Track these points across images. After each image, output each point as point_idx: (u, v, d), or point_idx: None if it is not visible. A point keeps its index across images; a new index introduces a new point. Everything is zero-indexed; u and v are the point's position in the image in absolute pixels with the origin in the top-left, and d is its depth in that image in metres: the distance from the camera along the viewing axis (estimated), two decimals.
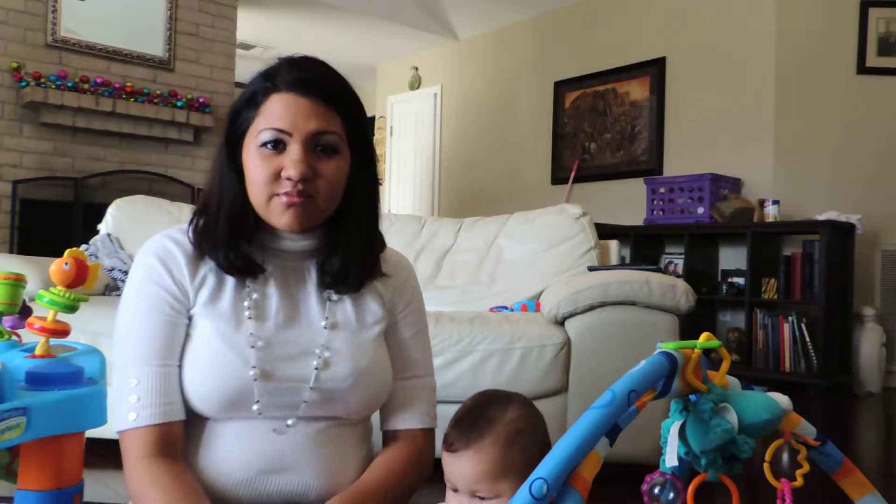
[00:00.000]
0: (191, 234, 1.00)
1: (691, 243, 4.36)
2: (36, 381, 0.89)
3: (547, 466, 0.51)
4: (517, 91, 6.08)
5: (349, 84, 0.99)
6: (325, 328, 1.00)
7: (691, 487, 0.59)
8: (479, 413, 0.89)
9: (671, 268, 4.55)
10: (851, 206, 4.12)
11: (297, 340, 0.98)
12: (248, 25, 6.03)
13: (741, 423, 0.59)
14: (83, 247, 2.67)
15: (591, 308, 2.07)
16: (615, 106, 5.33)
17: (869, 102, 4.30)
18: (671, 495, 0.59)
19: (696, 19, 4.84)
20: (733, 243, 4.44)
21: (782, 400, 0.61)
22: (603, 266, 2.60)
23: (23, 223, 4.33)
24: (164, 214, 2.81)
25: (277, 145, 0.93)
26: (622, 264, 2.88)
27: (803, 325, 3.90)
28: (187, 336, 0.98)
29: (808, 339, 3.88)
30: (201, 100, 4.95)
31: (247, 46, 6.68)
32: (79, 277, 0.97)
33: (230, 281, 0.99)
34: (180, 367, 0.96)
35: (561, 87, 5.71)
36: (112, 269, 2.59)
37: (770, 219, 4.09)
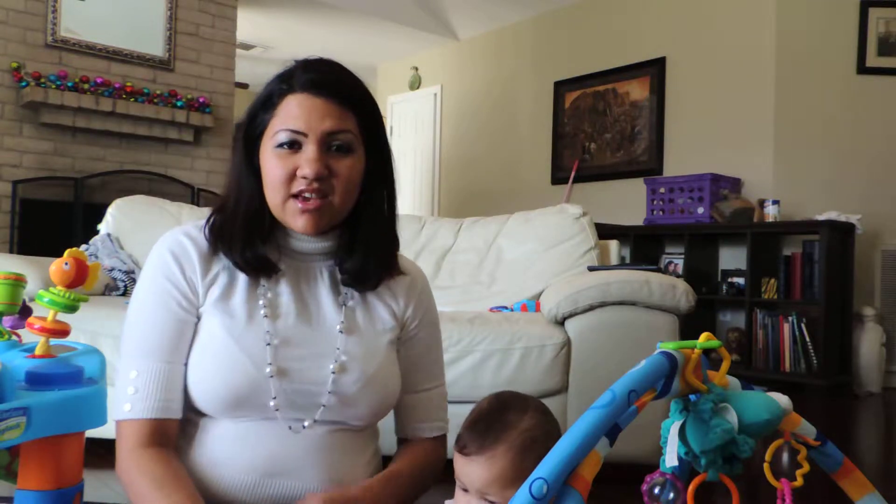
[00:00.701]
0: (207, 231, 1.00)
1: (691, 243, 4.36)
2: (36, 381, 0.89)
3: (547, 466, 0.52)
4: (517, 91, 6.08)
5: (364, 84, 1.01)
6: (341, 332, 1.01)
7: (691, 487, 0.59)
8: (494, 417, 0.88)
9: (671, 268, 4.55)
10: (851, 206, 4.12)
11: (313, 341, 0.99)
12: (248, 25, 6.03)
13: (741, 423, 0.59)
14: (83, 247, 2.67)
15: (591, 308, 2.07)
16: (615, 106, 5.33)
17: (869, 102, 4.30)
18: (671, 495, 0.59)
19: (696, 19, 4.84)
20: (733, 243, 4.44)
21: (782, 400, 0.61)
22: (603, 266, 2.60)
23: (23, 223, 4.33)
24: (164, 214, 2.81)
25: (293, 145, 0.94)
26: (622, 264, 2.88)
27: (803, 325, 3.90)
28: (195, 333, 0.98)
29: (808, 339, 3.88)
30: (201, 100, 4.94)
31: (247, 46, 6.68)
32: (79, 277, 0.97)
33: (242, 280, 1.00)
34: (186, 364, 0.97)
35: (561, 87, 5.71)
36: (112, 269, 2.59)
37: (770, 219, 4.09)
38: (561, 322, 2.11)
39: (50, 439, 0.86)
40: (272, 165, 0.95)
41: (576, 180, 5.50)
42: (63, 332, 0.97)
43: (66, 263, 0.96)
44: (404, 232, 2.92)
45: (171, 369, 0.95)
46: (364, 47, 6.86)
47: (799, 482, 0.64)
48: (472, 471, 0.86)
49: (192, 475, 0.94)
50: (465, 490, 0.88)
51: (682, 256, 4.44)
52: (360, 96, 0.99)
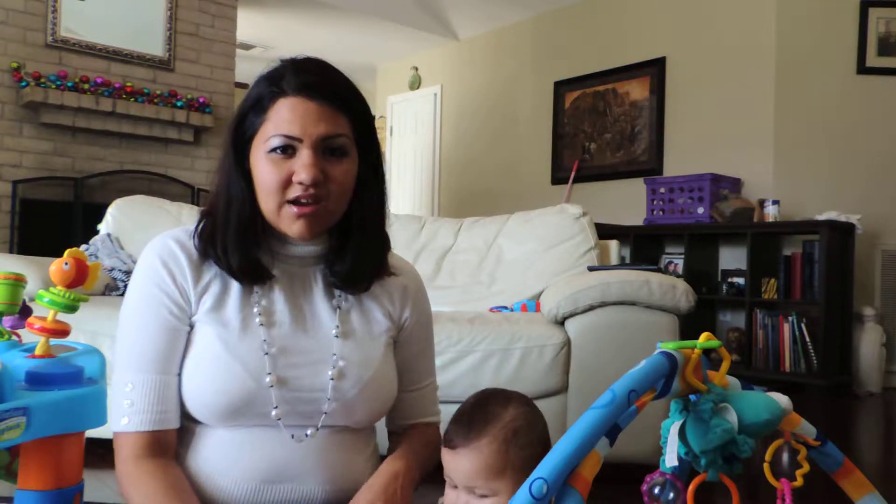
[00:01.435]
0: (196, 238, 0.98)
1: (691, 243, 4.36)
2: (36, 381, 0.89)
3: (547, 466, 0.51)
4: (517, 91, 6.08)
5: (354, 85, 0.99)
6: (337, 336, 1.00)
7: (691, 487, 0.59)
8: (478, 411, 0.90)
9: (671, 268, 4.55)
10: (851, 206, 4.12)
11: (310, 348, 0.98)
12: (248, 25, 6.02)
13: (741, 423, 0.59)
14: (83, 247, 2.67)
15: (591, 308, 2.07)
16: (615, 106, 5.33)
17: (869, 102, 4.30)
18: (671, 495, 0.59)
19: (696, 19, 4.84)
20: (733, 243, 4.44)
21: (782, 400, 0.61)
22: (603, 266, 2.60)
23: (23, 223, 4.33)
24: (164, 214, 2.81)
25: (286, 150, 0.92)
26: (622, 264, 2.88)
27: (803, 325, 3.90)
28: (189, 343, 0.97)
29: (808, 339, 3.88)
30: (201, 100, 4.95)
31: (247, 46, 6.68)
32: (79, 277, 0.97)
33: (235, 288, 0.98)
34: (180, 374, 0.95)
35: (561, 87, 5.71)
36: (112, 269, 2.59)
37: (770, 219, 4.09)
38: (561, 322, 2.11)
39: (50, 439, 0.86)
40: (266, 171, 0.93)
41: (576, 180, 5.49)
42: (63, 332, 0.97)
43: (66, 263, 0.96)
44: (404, 232, 2.93)
45: (165, 380, 0.94)
46: (364, 47, 6.86)
47: (799, 482, 0.64)
48: (458, 464, 0.87)
49: (191, 483, 0.94)
50: (455, 487, 0.89)
51: (682, 256, 4.44)
52: (352, 98, 0.97)
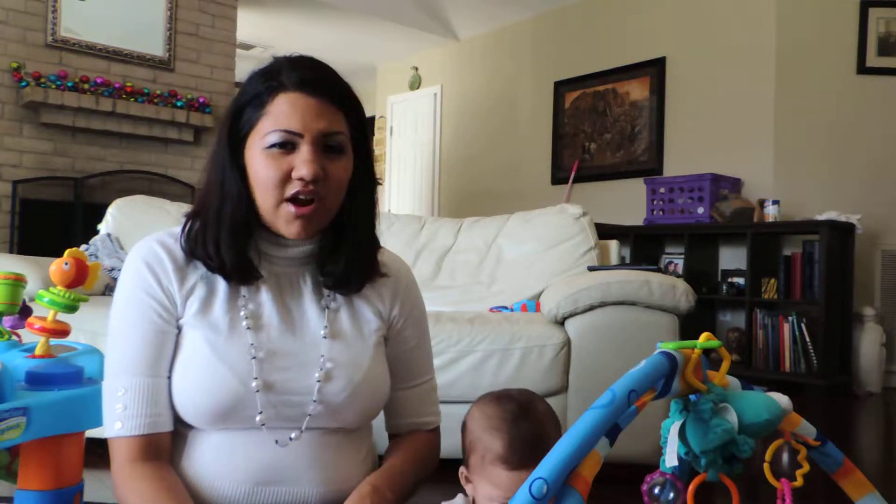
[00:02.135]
0: (183, 240, 0.97)
1: (691, 243, 4.36)
2: (36, 381, 0.89)
3: (547, 466, 0.51)
4: (517, 91, 6.08)
5: (347, 83, 0.98)
6: (325, 338, 0.99)
7: (691, 487, 0.59)
8: (539, 431, 0.93)
9: (671, 268, 4.55)
10: (851, 206, 4.12)
11: (298, 350, 0.97)
12: (248, 25, 6.02)
13: (741, 423, 0.59)
14: (83, 247, 2.67)
15: (591, 308, 2.07)
16: (615, 106, 5.33)
17: (869, 102, 4.30)
18: (671, 495, 0.59)
19: (696, 19, 4.84)
20: (733, 243, 4.44)
21: (782, 400, 0.61)
22: (603, 266, 2.60)
23: (23, 223, 4.33)
24: (164, 214, 2.81)
25: (286, 146, 0.91)
26: (622, 264, 2.88)
27: (803, 325, 3.90)
28: (177, 346, 0.96)
29: (808, 339, 3.88)
30: (201, 100, 4.95)
31: (247, 46, 6.68)
32: (79, 277, 0.97)
33: (221, 290, 0.97)
34: (170, 377, 0.95)
35: (561, 87, 5.71)
36: (112, 269, 2.59)
37: (770, 219, 4.09)
38: (561, 322, 2.11)
39: (50, 439, 0.86)
40: (263, 167, 0.91)
41: (576, 180, 5.49)
42: (63, 332, 0.97)
43: (66, 263, 0.96)
44: (404, 232, 2.93)
45: (156, 383, 0.93)
46: (364, 47, 6.86)
47: (799, 482, 0.64)
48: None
49: (186, 487, 0.93)
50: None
51: (682, 256, 4.44)
52: (349, 96, 0.97)
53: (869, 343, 4.00)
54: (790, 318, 3.93)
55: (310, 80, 0.93)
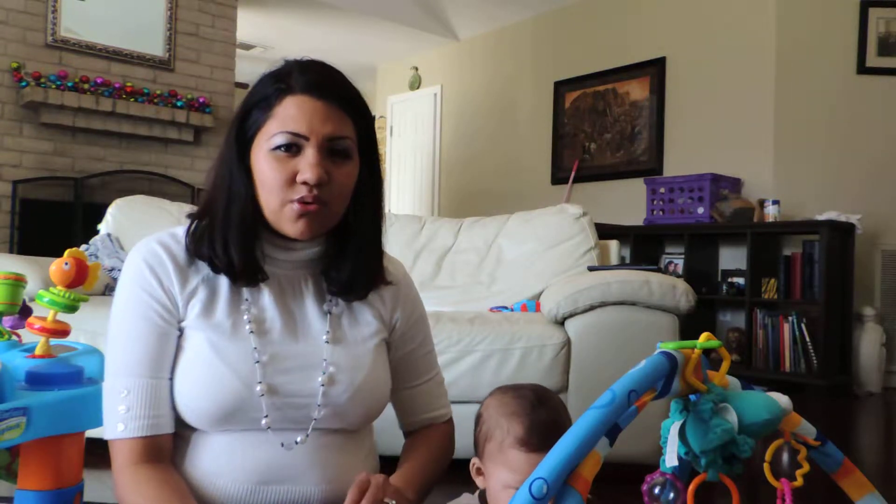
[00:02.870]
0: (189, 240, 0.97)
1: (691, 243, 4.36)
2: (36, 381, 0.89)
3: (547, 466, 0.51)
4: (517, 91, 6.08)
5: (358, 88, 0.98)
6: (328, 342, 0.99)
7: (691, 487, 0.59)
8: (556, 417, 0.96)
9: (671, 268, 4.55)
10: (851, 206, 4.12)
11: (300, 354, 0.97)
12: (248, 25, 6.02)
13: (741, 423, 0.59)
14: (83, 247, 2.67)
15: (591, 308, 2.07)
16: (615, 106, 5.33)
17: (869, 102, 4.30)
18: (671, 495, 0.59)
19: (696, 19, 4.84)
20: (733, 243, 4.44)
21: (782, 400, 0.61)
22: (603, 266, 2.60)
23: (23, 223, 4.33)
24: (164, 214, 2.82)
25: (291, 148, 0.91)
26: (622, 264, 2.88)
27: (803, 325, 3.90)
28: (179, 348, 0.96)
29: (808, 339, 3.88)
30: (201, 100, 4.95)
31: (247, 46, 6.68)
32: (79, 277, 0.97)
33: (224, 293, 0.97)
34: (171, 379, 0.95)
35: (561, 87, 5.71)
36: (112, 269, 2.59)
37: (770, 219, 4.09)
38: (561, 322, 2.11)
39: (50, 439, 0.86)
40: (269, 168, 0.92)
41: (576, 180, 5.50)
42: (63, 332, 0.97)
43: (66, 263, 0.96)
44: (404, 232, 2.93)
45: (157, 384, 0.93)
46: (364, 47, 6.86)
47: (799, 482, 0.64)
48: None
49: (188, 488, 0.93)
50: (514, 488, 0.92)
51: (682, 256, 4.44)
52: (358, 101, 0.97)
53: (869, 343, 4.00)
54: (790, 318, 3.93)
55: (318, 84, 0.93)
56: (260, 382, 0.93)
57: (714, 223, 4.32)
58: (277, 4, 5.80)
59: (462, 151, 6.60)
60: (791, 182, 4.34)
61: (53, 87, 4.34)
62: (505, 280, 2.70)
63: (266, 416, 0.93)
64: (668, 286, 2.06)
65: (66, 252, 0.98)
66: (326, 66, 0.98)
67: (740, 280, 4.24)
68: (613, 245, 2.80)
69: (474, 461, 1.00)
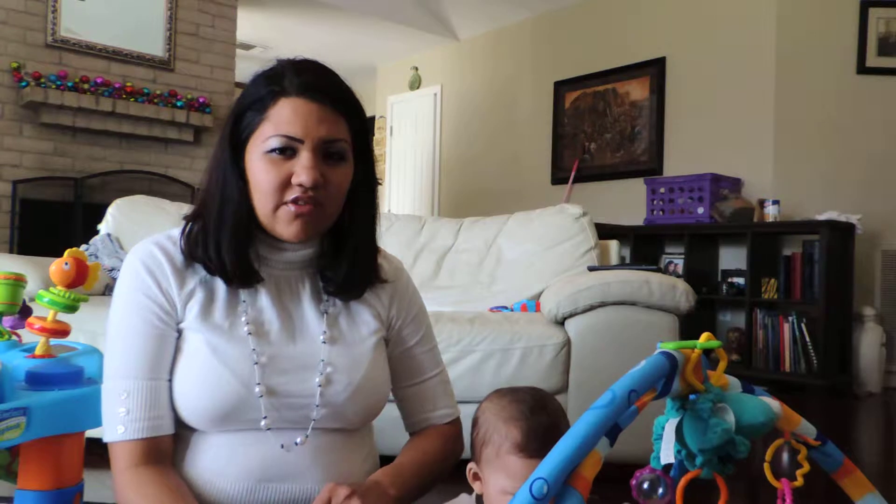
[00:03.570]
0: (183, 242, 0.97)
1: (691, 243, 4.36)
2: (36, 381, 0.89)
3: (547, 466, 0.51)
4: (517, 91, 6.08)
5: (352, 89, 0.98)
6: (325, 342, 0.99)
7: (681, 484, 0.59)
8: (555, 422, 0.95)
9: (671, 268, 4.55)
10: (851, 206, 4.12)
11: (298, 355, 0.97)
12: (248, 25, 6.03)
13: (738, 424, 0.59)
14: (83, 247, 2.67)
15: (591, 308, 2.07)
16: (615, 106, 5.33)
17: (869, 102, 4.30)
18: (660, 491, 0.59)
19: (696, 19, 4.84)
20: (733, 243, 4.44)
21: (773, 405, 0.62)
22: (603, 266, 2.60)
23: (23, 223, 4.33)
24: (164, 214, 2.82)
25: (286, 151, 0.91)
26: (622, 264, 2.88)
27: (803, 325, 3.90)
28: (178, 350, 0.95)
29: (808, 339, 3.88)
30: (201, 100, 4.95)
31: (247, 46, 6.68)
32: (79, 277, 0.97)
33: (221, 294, 0.97)
34: (170, 380, 0.95)
35: (561, 87, 5.71)
36: (112, 270, 2.59)
37: (770, 219, 4.09)
38: (561, 322, 2.11)
39: (50, 439, 0.86)
40: (263, 171, 0.91)
41: (576, 180, 5.50)
42: (63, 332, 0.97)
43: (66, 263, 0.96)
44: (404, 232, 2.93)
45: (157, 386, 0.93)
46: (364, 47, 6.86)
47: (799, 482, 0.64)
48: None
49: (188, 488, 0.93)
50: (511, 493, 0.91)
51: (682, 256, 4.44)
52: (352, 102, 0.96)
53: (869, 343, 4.00)
54: (790, 318, 3.93)
55: (312, 85, 0.92)
56: (259, 384, 0.93)
57: (714, 223, 4.32)
58: (277, 4, 5.80)
59: (462, 151, 6.60)
60: (791, 182, 4.34)
61: (53, 87, 4.34)
62: (505, 280, 2.70)
63: (265, 418, 0.93)
64: (668, 286, 2.06)
65: (66, 252, 0.98)
66: (321, 66, 0.97)
67: (740, 280, 4.24)
68: (613, 245, 2.80)
69: (471, 466, 0.98)
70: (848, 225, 3.97)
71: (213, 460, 0.94)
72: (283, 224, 0.93)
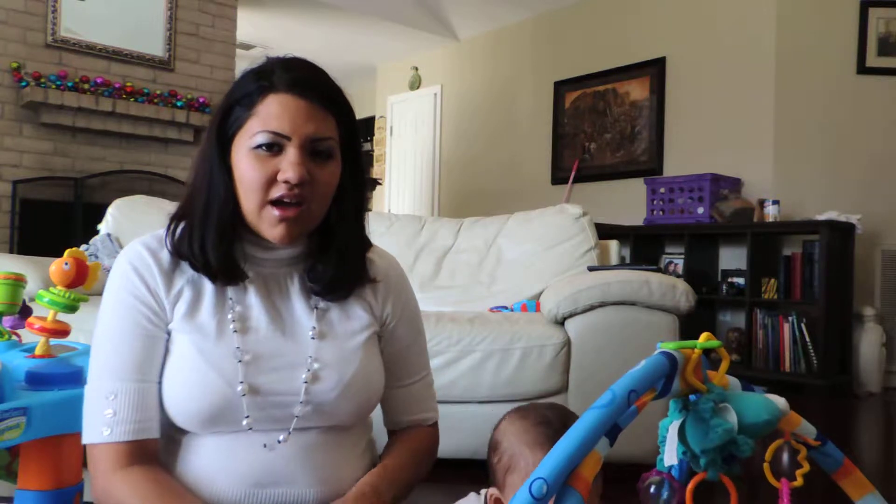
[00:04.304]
0: (168, 242, 0.96)
1: (691, 243, 4.36)
2: (36, 381, 0.89)
3: (547, 466, 0.51)
4: (517, 91, 6.08)
5: (341, 88, 0.97)
6: (314, 338, 0.97)
7: (690, 486, 0.59)
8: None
9: (671, 268, 4.55)
10: (851, 206, 4.12)
11: (285, 352, 0.96)
12: (248, 25, 6.03)
13: (741, 424, 0.59)
14: (83, 247, 2.67)
15: (591, 308, 2.07)
16: (615, 106, 5.33)
17: (868, 102, 4.30)
18: (667, 494, 0.59)
19: (696, 19, 4.84)
20: (733, 243, 4.44)
21: (780, 402, 0.61)
22: (603, 266, 2.60)
23: (23, 223, 4.33)
24: (164, 214, 2.79)
25: (272, 147, 0.90)
26: (622, 264, 2.88)
27: (803, 325, 3.90)
28: (167, 352, 0.94)
29: (808, 339, 3.88)
30: (201, 100, 4.95)
31: (247, 46, 6.68)
32: (79, 277, 0.97)
33: (208, 293, 0.96)
34: (160, 382, 0.94)
35: (561, 87, 5.71)
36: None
37: (770, 219, 4.09)
38: (561, 322, 2.11)
39: (50, 439, 0.86)
40: (249, 167, 0.90)
41: (576, 180, 5.50)
42: (63, 332, 0.97)
43: (66, 263, 0.96)
44: (404, 232, 2.93)
45: (145, 388, 0.92)
46: (364, 47, 6.86)
47: (799, 482, 0.64)
48: None
49: None
50: None
51: (682, 256, 4.44)
52: (340, 100, 0.96)
53: (869, 343, 4.00)
54: (790, 318, 3.93)
55: (301, 82, 0.92)
56: (242, 382, 0.92)
57: (714, 223, 4.32)
58: (277, 4, 5.80)
59: (462, 151, 6.60)
60: (791, 182, 4.34)
61: (53, 87, 4.34)
62: (505, 280, 2.70)
63: (247, 417, 0.92)
64: (668, 286, 2.06)
65: (66, 252, 0.98)
66: (309, 63, 0.96)
67: (740, 280, 4.24)
68: (613, 245, 2.80)
69: (492, 492, 0.95)
70: (848, 225, 3.97)
71: (206, 464, 0.93)
72: (268, 226, 0.92)
